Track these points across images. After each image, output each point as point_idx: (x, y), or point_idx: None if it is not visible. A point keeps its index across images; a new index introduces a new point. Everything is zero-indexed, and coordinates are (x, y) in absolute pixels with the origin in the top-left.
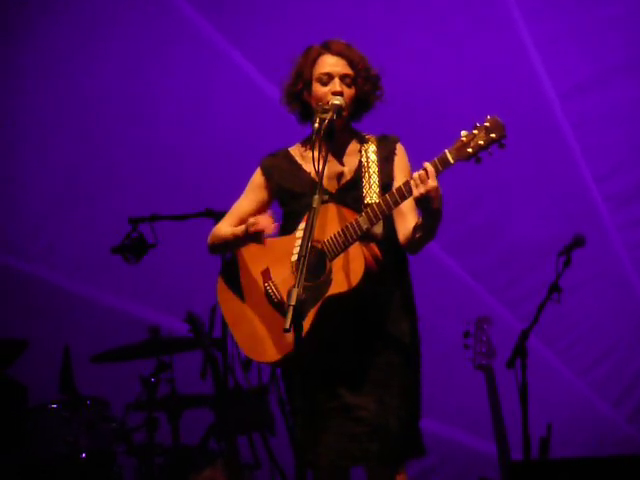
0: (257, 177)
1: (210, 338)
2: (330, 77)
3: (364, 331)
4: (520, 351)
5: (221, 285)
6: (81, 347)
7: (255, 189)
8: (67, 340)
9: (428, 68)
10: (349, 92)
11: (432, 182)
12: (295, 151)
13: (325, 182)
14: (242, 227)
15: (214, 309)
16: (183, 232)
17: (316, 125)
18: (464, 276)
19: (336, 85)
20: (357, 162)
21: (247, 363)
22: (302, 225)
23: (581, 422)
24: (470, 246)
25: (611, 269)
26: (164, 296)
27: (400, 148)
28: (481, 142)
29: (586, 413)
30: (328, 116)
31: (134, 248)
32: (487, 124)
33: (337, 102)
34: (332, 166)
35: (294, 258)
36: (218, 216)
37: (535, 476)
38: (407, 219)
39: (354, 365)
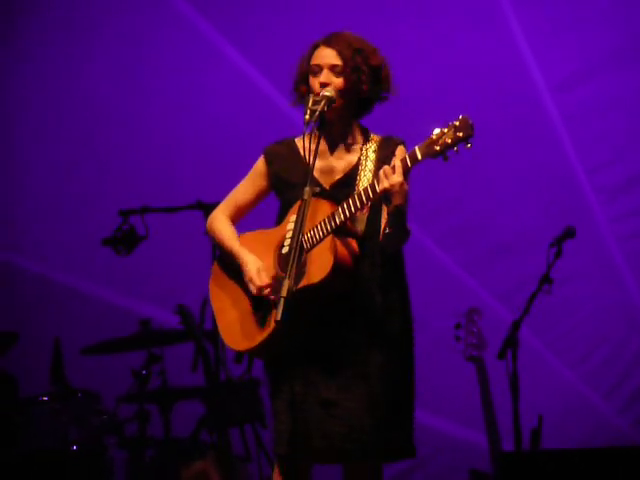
0: (259, 164)
1: (201, 330)
2: (320, 68)
3: (346, 327)
4: (511, 342)
5: (215, 271)
6: (72, 339)
7: (255, 177)
8: (58, 332)
9: (417, 62)
10: (337, 82)
11: (396, 177)
12: (300, 141)
13: (321, 176)
14: (248, 265)
15: (205, 301)
16: (174, 224)
17: (306, 117)
18: (455, 268)
19: (322, 76)
20: (355, 160)
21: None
22: (292, 217)
23: (572, 414)
24: (461, 239)
25: (602, 260)
26: (155, 288)
27: (401, 150)
28: (448, 140)
29: (577, 404)
30: (319, 107)
31: (125, 240)
32: (456, 123)
33: (328, 93)
34: (330, 161)
35: (285, 250)
36: (209, 208)
37: (526, 467)
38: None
39: (335, 361)
